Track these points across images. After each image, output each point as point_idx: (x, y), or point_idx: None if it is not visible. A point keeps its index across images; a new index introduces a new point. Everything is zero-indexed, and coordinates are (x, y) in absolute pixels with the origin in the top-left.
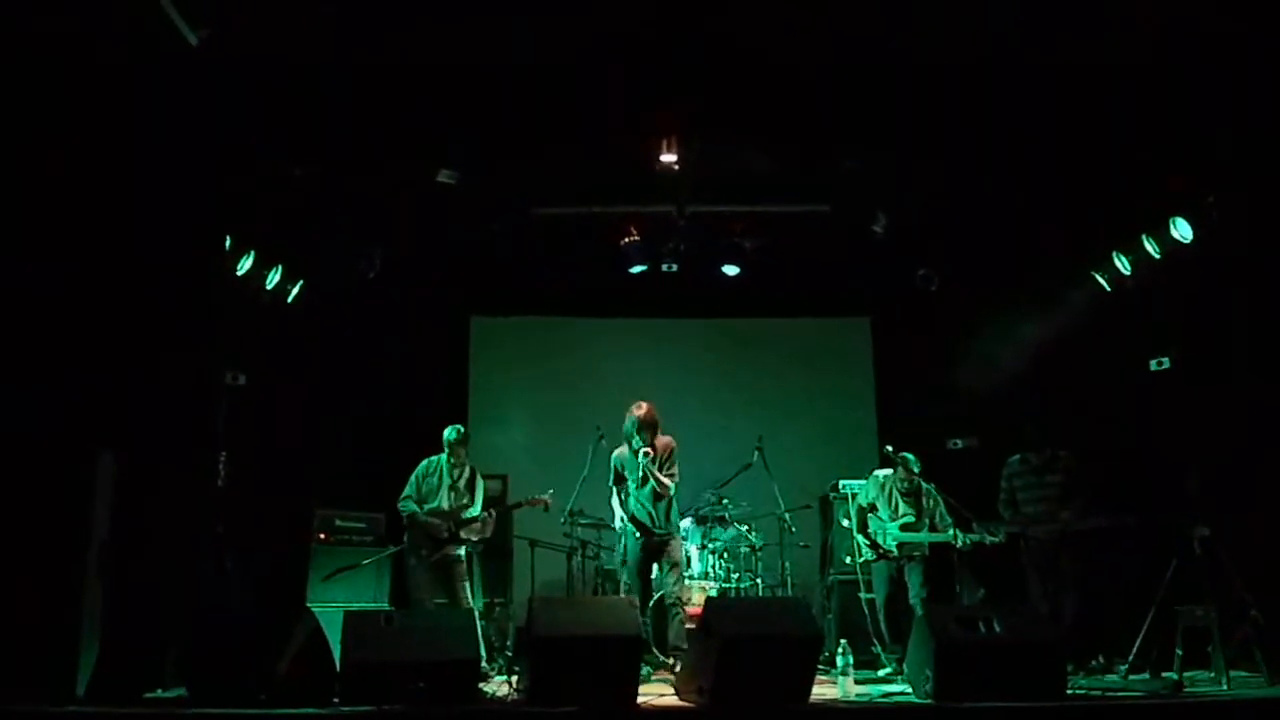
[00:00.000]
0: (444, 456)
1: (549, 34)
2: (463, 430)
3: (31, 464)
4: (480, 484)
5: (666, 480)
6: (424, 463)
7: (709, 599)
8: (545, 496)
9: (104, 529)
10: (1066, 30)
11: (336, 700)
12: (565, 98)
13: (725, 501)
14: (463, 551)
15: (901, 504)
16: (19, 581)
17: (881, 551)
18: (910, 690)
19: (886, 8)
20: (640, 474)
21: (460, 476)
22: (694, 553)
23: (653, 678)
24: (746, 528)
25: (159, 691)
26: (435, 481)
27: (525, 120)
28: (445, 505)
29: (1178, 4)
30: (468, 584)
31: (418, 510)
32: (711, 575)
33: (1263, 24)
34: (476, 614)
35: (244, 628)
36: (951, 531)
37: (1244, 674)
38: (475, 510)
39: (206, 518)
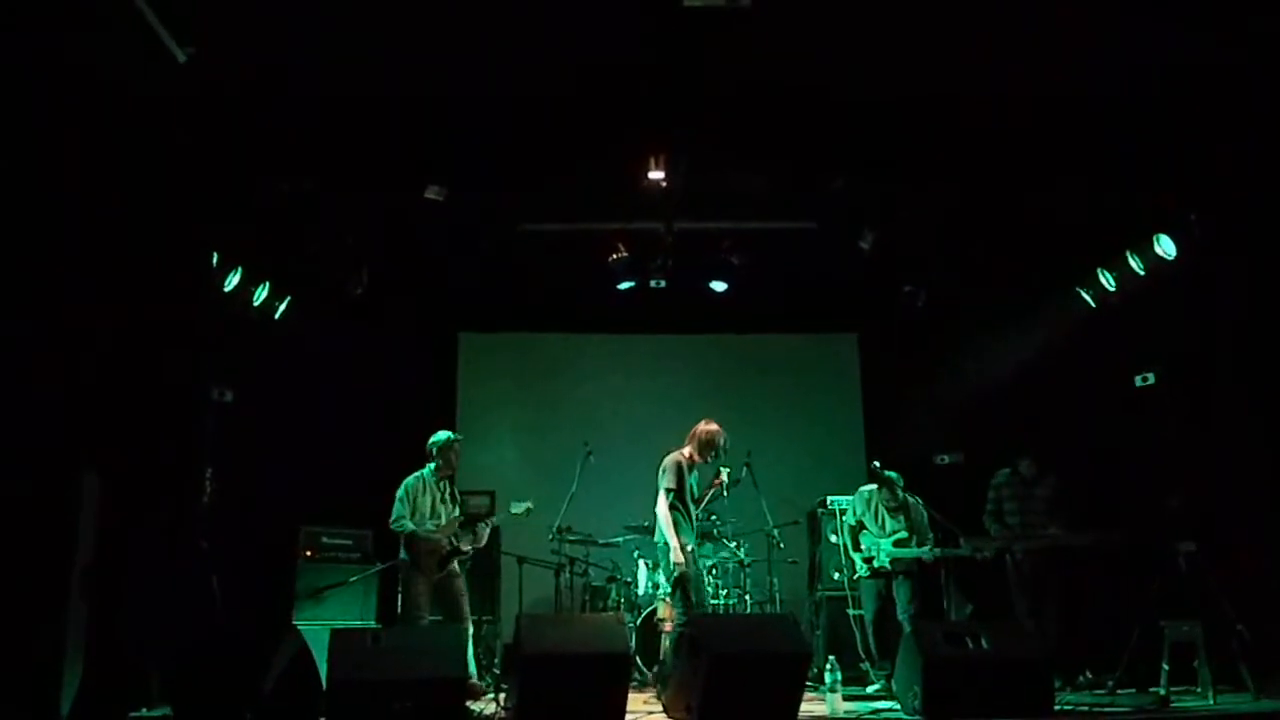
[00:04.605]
0: (428, 471)
1: (540, 58)
2: (455, 436)
3: (15, 482)
4: (456, 492)
5: None
6: (410, 480)
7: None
8: (526, 504)
9: (88, 547)
10: (1053, 57)
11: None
12: (553, 116)
13: (714, 518)
14: (460, 568)
15: (888, 520)
16: (2, 601)
17: (875, 568)
18: (898, 707)
19: (876, 35)
20: (705, 490)
21: (445, 489)
22: None
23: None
24: (735, 544)
25: (144, 711)
26: (427, 499)
27: (513, 137)
28: (441, 521)
29: (1163, 33)
30: (466, 600)
31: (416, 529)
32: None
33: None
34: (470, 632)
35: (229, 646)
36: (926, 546)
37: (1230, 689)
38: (457, 515)
39: (192, 534)
